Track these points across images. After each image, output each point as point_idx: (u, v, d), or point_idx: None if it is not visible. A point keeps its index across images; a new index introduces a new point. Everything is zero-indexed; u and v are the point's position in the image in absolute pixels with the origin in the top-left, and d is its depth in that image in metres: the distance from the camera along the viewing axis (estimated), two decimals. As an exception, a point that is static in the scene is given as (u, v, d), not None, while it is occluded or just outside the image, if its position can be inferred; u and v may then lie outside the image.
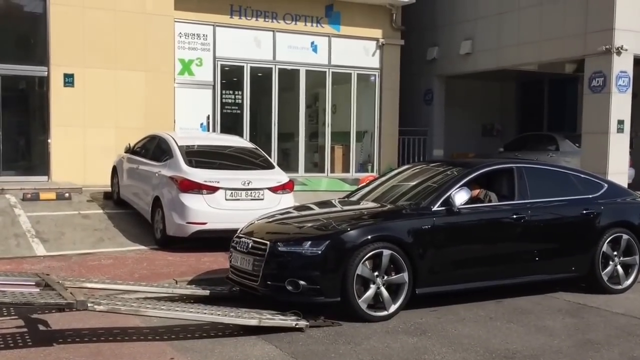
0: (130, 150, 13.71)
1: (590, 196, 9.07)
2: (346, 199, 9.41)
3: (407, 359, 6.07)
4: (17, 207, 12.90)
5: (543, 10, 17.87)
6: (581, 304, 8.31)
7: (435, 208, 7.90)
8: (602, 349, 6.51)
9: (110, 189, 14.57)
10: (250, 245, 7.69)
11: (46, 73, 15.74)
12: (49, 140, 15.75)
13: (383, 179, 9.90)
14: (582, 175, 9.52)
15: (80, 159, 15.77)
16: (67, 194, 13.98)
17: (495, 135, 23.99)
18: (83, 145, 15.87)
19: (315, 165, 19.67)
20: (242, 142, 13.50)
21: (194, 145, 12.20)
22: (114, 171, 14.40)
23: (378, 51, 19.83)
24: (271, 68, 18.50)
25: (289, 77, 18.94)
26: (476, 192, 8.52)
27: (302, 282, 7.16)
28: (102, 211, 13.36)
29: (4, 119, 15.61)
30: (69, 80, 15.74)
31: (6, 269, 9.07)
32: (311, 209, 9.07)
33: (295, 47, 18.73)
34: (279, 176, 11.59)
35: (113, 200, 14.14)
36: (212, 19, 17.54)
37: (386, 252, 7.34)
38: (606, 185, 9.49)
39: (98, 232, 11.93)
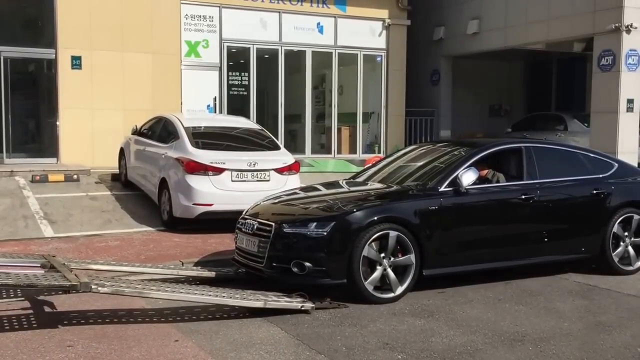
0: (137, 132, 13.70)
1: (601, 176, 8.94)
2: (352, 180, 9.34)
3: (414, 342, 6.01)
4: (26, 189, 12.96)
5: (551, -12, 17.66)
6: (591, 285, 8.22)
7: (442, 189, 7.81)
8: (614, 331, 6.42)
9: (118, 170, 14.60)
10: (255, 226, 7.64)
11: (54, 55, 15.73)
12: (58, 123, 15.75)
13: (390, 159, 9.81)
14: (592, 155, 9.37)
15: (88, 141, 15.80)
16: (75, 176, 14.05)
17: (503, 116, 23.84)
18: (91, 127, 15.89)
19: (322, 146, 19.59)
20: (248, 123, 13.46)
21: (200, 127, 12.17)
22: (122, 153, 14.42)
23: (384, 32, 19.67)
24: (277, 49, 18.38)
25: (295, 58, 18.83)
26: (484, 172, 8.43)
27: (307, 264, 7.11)
28: (109, 193, 13.39)
29: (13, 101, 15.63)
30: (76, 62, 15.73)
31: (14, 250, 9.08)
32: (317, 189, 9.00)
33: (301, 28, 18.58)
34: (284, 157, 11.56)
35: (121, 182, 14.20)
36: (217, 0, 17.40)
37: (393, 234, 7.27)
38: (616, 164, 9.33)
39: (105, 214, 11.94)
